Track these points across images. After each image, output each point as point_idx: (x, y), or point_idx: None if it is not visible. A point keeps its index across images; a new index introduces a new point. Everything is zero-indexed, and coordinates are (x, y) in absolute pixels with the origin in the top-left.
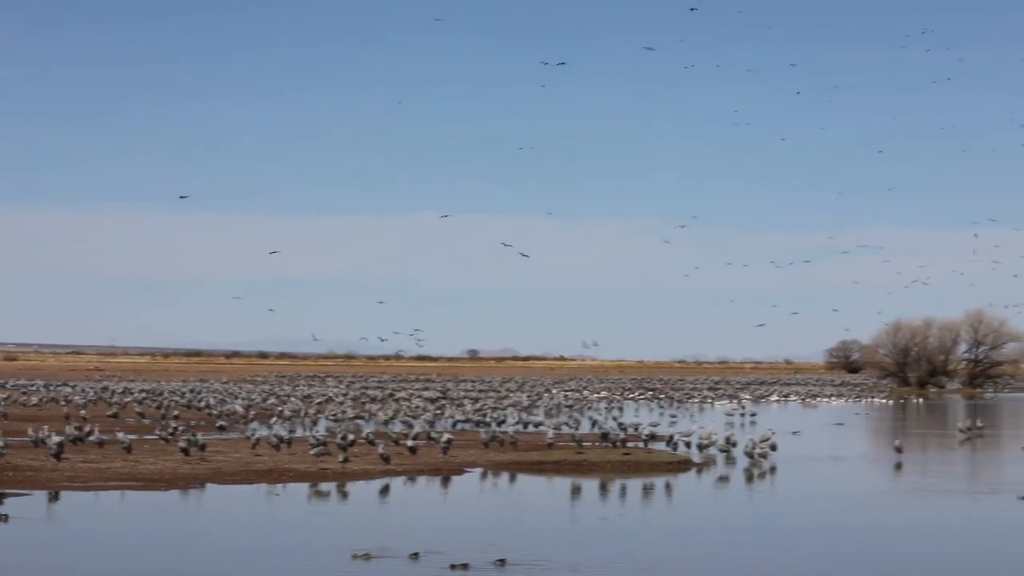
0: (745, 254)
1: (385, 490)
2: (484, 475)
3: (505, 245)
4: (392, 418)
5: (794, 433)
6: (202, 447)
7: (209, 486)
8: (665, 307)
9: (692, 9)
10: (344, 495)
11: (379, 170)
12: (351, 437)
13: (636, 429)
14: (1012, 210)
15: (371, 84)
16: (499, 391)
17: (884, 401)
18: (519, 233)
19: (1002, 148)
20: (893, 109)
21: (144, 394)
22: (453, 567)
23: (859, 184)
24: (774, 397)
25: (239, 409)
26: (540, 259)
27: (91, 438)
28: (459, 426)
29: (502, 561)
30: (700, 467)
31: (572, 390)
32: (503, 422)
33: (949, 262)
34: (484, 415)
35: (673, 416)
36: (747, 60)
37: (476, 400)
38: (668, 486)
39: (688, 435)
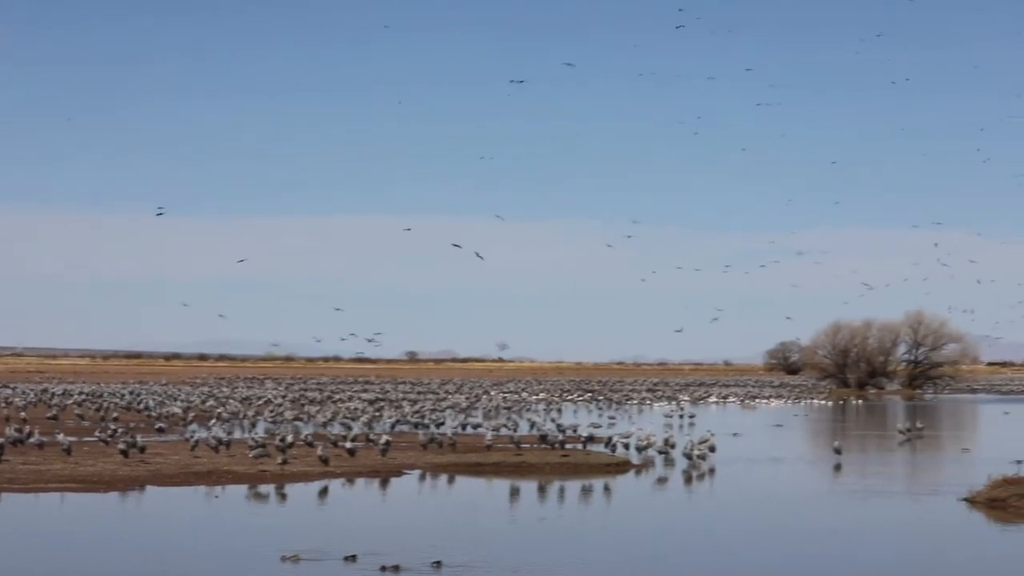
0: (691, 258)
1: (324, 492)
2: (423, 477)
3: (456, 246)
4: (331, 420)
5: (734, 435)
6: (142, 449)
7: (148, 488)
8: (606, 309)
9: (678, 27)
10: (283, 497)
11: (317, 173)
12: (290, 439)
13: (575, 431)
14: (967, 213)
15: (325, 90)
16: (438, 393)
17: (823, 402)
18: (462, 235)
19: (960, 152)
20: (849, 113)
21: (84, 396)
22: (383, 569)
23: (811, 190)
24: (713, 398)
25: (178, 411)
26: (480, 262)
27: (31, 440)
28: (398, 428)
29: (438, 563)
30: (639, 469)
31: (511, 392)
32: (442, 424)
33: (907, 266)
34: (423, 417)
35: (612, 418)
36: (706, 66)
37: (415, 402)
38: (607, 488)
39: (627, 437)
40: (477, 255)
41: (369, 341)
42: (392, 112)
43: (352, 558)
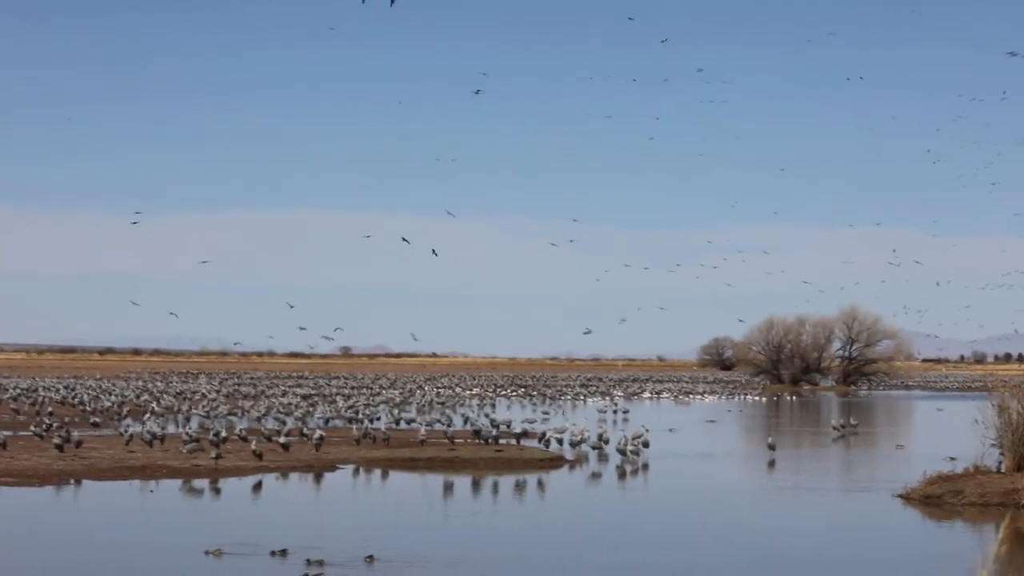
0: (627, 256)
1: (258, 486)
2: (356, 472)
3: (405, 241)
4: (265, 415)
5: (670, 430)
6: (78, 444)
7: (82, 482)
8: (539, 304)
9: (663, 40)
10: (217, 491)
11: (250, 167)
12: (224, 434)
13: (508, 426)
14: (919, 213)
15: (277, 85)
16: (372, 388)
17: (757, 398)
18: (406, 231)
19: (912, 152)
20: (801, 112)
21: (20, 391)
22: (309, 562)
23: (759, 190)
24: (647, 394)
25: (109, 404)
26: (420, 258)
27: None
28: (331, 423)
29: (371, 557)
30: (572, 464)
31: (444, 387)
32: (376, 419)
33: (859, 265)
34: (357, 412)
35: (545, 413)
36: (659, 69)
37: (349, 397)
38: (540, 483)
39: (560, 432)
40: (433, 252)
41: (326, 338)
42: (349, 111)
43: (283, 552)
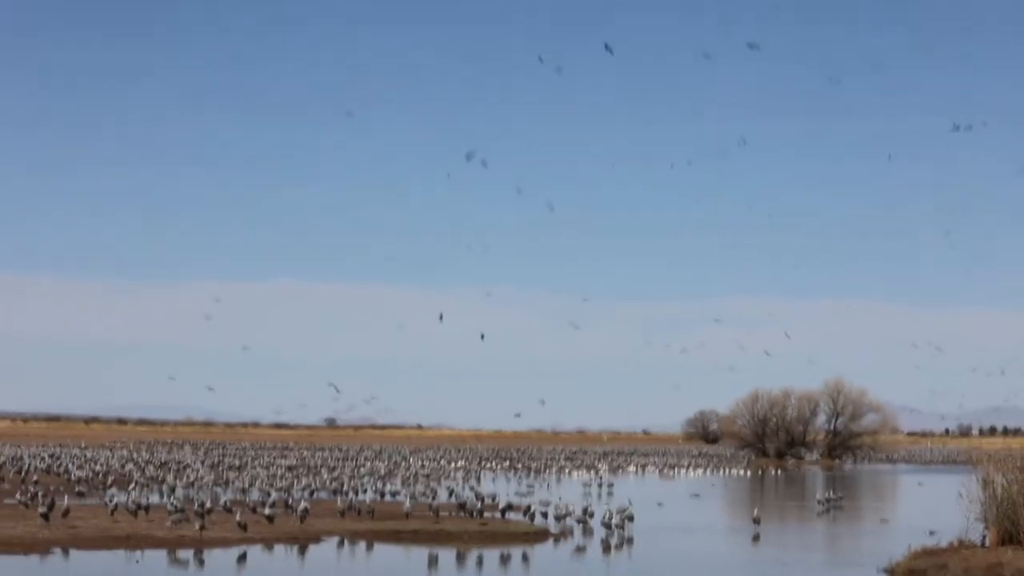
0: (622, 328)
1: (242, 558)
2: (341, 544)
3: (440, 319)
4: (250, 486)
5: (659, 504)
6: (65, 512)
7: (68, 551)
8: (526, 376)
9: (741, 143)
10: (201, 563)
11: (237, 238)
12: (208, 504)
13: (494, 499)
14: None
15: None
16: (357, 460)
17: (742, 472)
18: (384, 301)
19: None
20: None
21: (4, 459)
22: None
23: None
24: (632, 467)
25: (86, 474)
26: (400, 328)
27: None
28: (316, 494)
29: None
30: (557, 537)
31: (429, 459)
32: (362, 491)
33: (872, 345)
34: (342, 484)
35: (530, 486)
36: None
37: (333, 469)
38: (525, 556)
39: (545, 505)
40: (481, 336)
41: (356, 405)
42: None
43: None
